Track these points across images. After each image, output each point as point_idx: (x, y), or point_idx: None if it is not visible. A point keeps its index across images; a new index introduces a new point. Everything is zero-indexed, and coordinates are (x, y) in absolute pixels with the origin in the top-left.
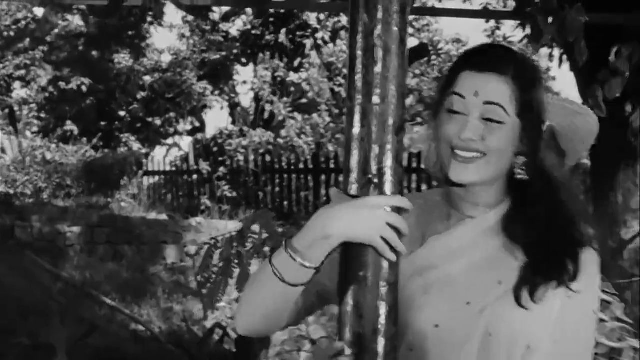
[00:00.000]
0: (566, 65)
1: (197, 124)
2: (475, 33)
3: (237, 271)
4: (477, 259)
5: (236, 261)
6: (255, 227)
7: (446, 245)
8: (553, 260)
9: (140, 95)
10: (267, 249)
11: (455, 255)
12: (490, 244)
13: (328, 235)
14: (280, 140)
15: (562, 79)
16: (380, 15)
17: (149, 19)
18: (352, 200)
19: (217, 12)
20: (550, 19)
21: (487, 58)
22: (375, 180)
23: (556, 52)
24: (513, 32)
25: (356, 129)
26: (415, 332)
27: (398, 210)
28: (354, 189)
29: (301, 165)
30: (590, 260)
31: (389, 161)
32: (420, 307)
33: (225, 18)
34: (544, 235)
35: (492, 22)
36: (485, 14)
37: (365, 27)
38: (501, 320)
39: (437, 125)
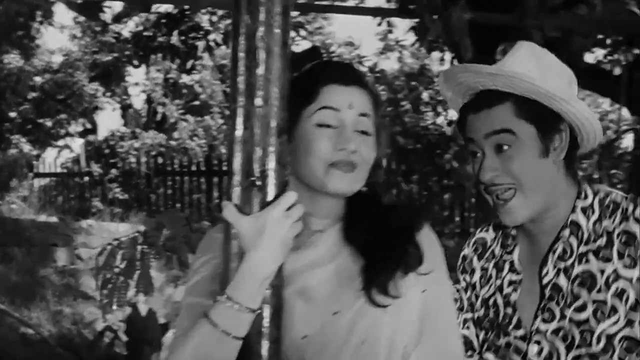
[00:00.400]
0: None
1: (89, 126)
2: (367, 37)
3: (137, 272)
4: (334, 270)
5: (138, 262)
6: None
7: (301, 260)
8: (392, 250)
9: (31, 96)
10: (168, 252)
11: (311, 268)
12: (343, 253)
13: (268, 275)
14: (173, 142)
15: None
16: (262, 17)
17: (39, 18)
18: (254, 220)
19: (108, 13)
20: (434, 17)
21: (348, 72)
22: (259, 183)
23: (447, 55)
24: (405, 36)
25: (239, 131)
26: (286, 345)
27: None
28: (237, 191)
29: (193, 168)
30: (428, 240)
31: (272, 163)
32: (286, 319)
33: (117, 19)
34: (379, 233)
35: (384, 26)
36: (370, 11)
37: (248, 29)
38: (371, 327)
39: (303, 141)
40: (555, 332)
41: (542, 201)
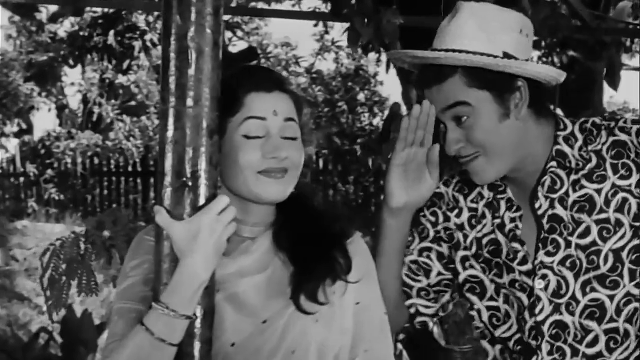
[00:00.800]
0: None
1: (24, 126)
2: (304, 38)
3: (79, 273)
4: (264, 279)
5: (80, 262)
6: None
7: (231, 266)
8: (321, 258)
9: None
10: (109, 252)
11: (242, 276)
12: (271, 262)
13: (203, 281)
14: (109, 143)
15: (390, 84)
16: (193, 17)
17: None
18: (187, 225)
19: (44, 13)
20: (366, 21)
21: (269, 78)
22: (190, 183)
23: (384, 57)
24: (341, 37)
25: (170, 132)
26: (216, 351)
27: None
28: (168, 192)
29: (130, 168)
30: (358, 248)
31: (203, 164)
32: (217, 325)
33: (53, 19)
34: (309, 241)
35: (321, 27)
36: (303, 15)
37: (179, 30)
38: (301, 337)
39: (232, 153)
40: (562, 262)
41: (511, 161)
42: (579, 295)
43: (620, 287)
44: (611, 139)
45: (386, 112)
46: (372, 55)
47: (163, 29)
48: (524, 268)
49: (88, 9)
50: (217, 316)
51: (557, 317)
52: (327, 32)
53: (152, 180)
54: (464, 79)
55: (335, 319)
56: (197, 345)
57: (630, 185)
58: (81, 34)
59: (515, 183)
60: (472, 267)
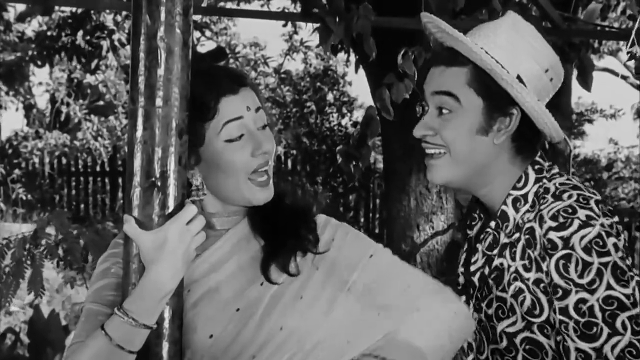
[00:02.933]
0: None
1: None
2: (273, 38)
3: (28, 272)
4: (237, 266)
5: (29, 262)
6: (50, 229)
7: (205, 261)
8: (289, 233)
9: None
10: (60, 250)
11: (215, 268)
12: (247, 249)
13: (168, 292)
14: (77, 143)
15: (358, 85)
16: (162, 17)
17: None
18: (154, 235)
19: (11, 12)
20: (337, 20)
21: (234, 78)
22: (159, 183)
23: (353, 57)
24: (310, 37)
25: (139, 132)
26: (194, 348)
27: None
28: (137, 192)
29: (98, 168)
30: (324, 221)
31: (172, 164)
32: (191, 321)
33: (20, 18)
34: (277, 219)
35: (289, 27)
36: (272, 15)
37: (148, 29)
38: (278, 322)
39: (216, 160)
40: (479, 322)
41: (468, 173)
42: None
43: None
44: (531, 222)
45: (355, 113)
46: (341, 56)
47: (132, 29)
48: (490, 311)
49: (56, 8)
50: (195, 313)
51: None
52: (295, 32)
53: (120, 180)
54: (469, 75)
55: (316, 306)
56: (166, 346)
57: (528, 279)
58: (49, 33)
59: (485, 218)
60: None
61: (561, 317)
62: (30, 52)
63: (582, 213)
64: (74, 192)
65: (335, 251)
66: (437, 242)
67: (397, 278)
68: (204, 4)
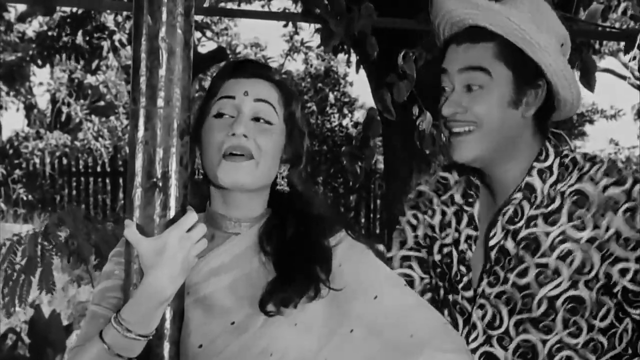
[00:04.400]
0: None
1: None
2: (274, 38)
3: (39, 270)
4: (238, 277)
5: (39, 259)
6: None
7: (207, 264)
8: (303, 275)
9: None
10: (70, 248)
11: (215, 274)
12: (252, 260)
13: (166, 298)
14: (77, 143)
15: (359, 85)
16: (164, 17)
17: None
18: (154, 242)
19: (12, 13)
20: (338, 20)
21: (252, 66)
22: (160, 184)
23: (354, 57)
24: (311, 38)
25: (140, 132)
26: (185, 353)
27: None
28: (138, 193)
29: (98, 169)
30: (337, 242)
31: (173, 164)
32: (186, 325)
33: (21, 18)
34: (293, 249)
35: (290, 27)
36: (275, 15)
37: (149, 30)
38: (277, 339)
39: (204, 135)
40: (498, 295)
41: (496, 147)
42: (512, 332)
43: (552, 332)
44: (577, 185)
45: (355, 113)
46: (342, 56)
47: (134, 29)
48: (467, 294)
49: (57, 8)
50: (186, 317)
51: (488, 348)
52: (296, 33)
53: (121, 180)
54: (497, 48)
55: (310, 334)
56: (167, 346)
57: (580, 239)
58: (49, 33)
59: (489, 192)
60: (410, 267)
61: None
62: (30, 52)
63: (626, 172)
64: (74, 192)
65: (339, 277)
66: None
67: (400, 326)
68: (205, 4)
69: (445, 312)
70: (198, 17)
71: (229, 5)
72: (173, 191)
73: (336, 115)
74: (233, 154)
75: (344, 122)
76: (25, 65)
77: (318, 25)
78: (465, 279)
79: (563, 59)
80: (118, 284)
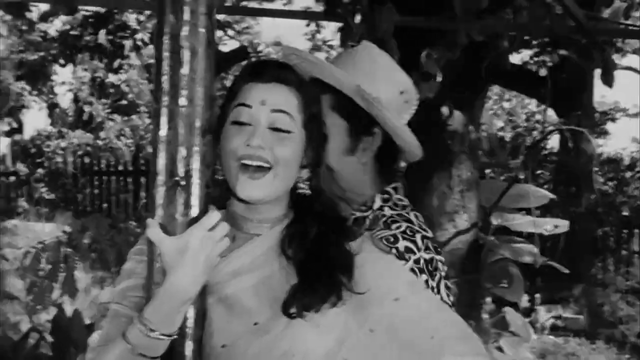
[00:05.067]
0: None
1: (15, 125)
2: (296, 37)
3: (62, 275)
4: (260, 278)
5: (63, 265)
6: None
7: (228, 264)
8: (325, 281)
9: None
10: (93, 254)
11: (237, 274)
12: (273, 262)
13: (189, 298)
14: (100, 142)
15: None
16: (186, 17)
17: None
18: (176, 241)
19: (35, 12)
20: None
21: (271, 69)
22: (183, 183)
23: None
24: (333, 36)
25: (163, 131)
26: (207, 352)
27: None
28: (160, 191)
29: (121, 167)
30: (358, 246)
31: (196, 163)
32: (208, 325)
33: (44, 18)
34: (315, 254)
35: (312, 26)
36: (297, 14)
37: (172, 29)
38: (299, 341)
39: (222, 141)
40: None
41: (339, 191)
42: None
43: None
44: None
45: None
46: None
47: (156, 28)
48: None
49: (80, 7)
50: (209, 316)
51: None
52: (318, 32)
53: (142, 179)
54: (331, 101)
55: (337, 327)
56: (189, 345)
57: None
58: (72, 32)
59: None
60: None
61: None
62: (53, 52)
63: (402, 244)
64: (96, 191)
65: (361, 281)
66: (460, 241)
67: (420, 328)
68: (227, 3)
69: None
70: (220, 16)
71: (251, 4)
72: (195, 190)
73: None
74: (248, 165)
75: None
76: (47, 64)
77: (341, 24)
78: None
79: (396, 110)
80: (139, 282)
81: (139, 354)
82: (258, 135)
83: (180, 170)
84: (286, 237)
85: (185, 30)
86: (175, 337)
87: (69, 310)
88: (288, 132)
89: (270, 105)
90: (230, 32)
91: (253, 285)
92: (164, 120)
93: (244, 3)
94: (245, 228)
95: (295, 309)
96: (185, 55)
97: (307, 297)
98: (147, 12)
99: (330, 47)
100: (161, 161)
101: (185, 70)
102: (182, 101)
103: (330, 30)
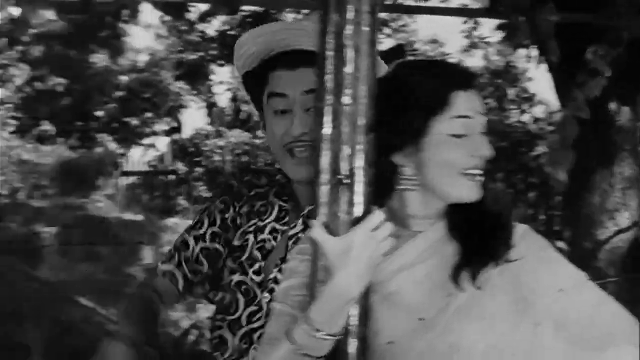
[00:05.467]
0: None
1: (175, 125)
2: (452, 35)
3: None
4: (424, 274)
5: None
6: None
7: (393, 262)
8: (486, 240)
9: (117, 95)
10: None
11: (402, 271)
12: (439, 254)
13: (351, 299)
14: (257, 141)
15: (539, 80)
16: (351, 15)
17: (125, 18)
18: (340, 242)
19: (194, 13)
20: (522, 18)
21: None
22: (347, 181)
23: (534, 53)
24: (490, 33)
25: (326, 130)
26: (372, 349)
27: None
28: (324, 190)
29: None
30: (522, 232)
31: (359, 162)
32: (374, 323)
33: (202, 18)
34: (477, 223)
35: (470, 24)
36: (457, 12)
37: (336, 28)
38: (465, 335)
39: (436, 152)
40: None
41: None
42: None
43: None
44: None
45: (534, 109)
46: (522, 51)
47: (320, 27)
48: (257, 278)
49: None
50: (375, 314)
51: None
52: (475, 29)
53: None
54: None
55: (501, 319)
56: (354, 344)
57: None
58: (230, 32)
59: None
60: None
61: None
62: (211, 52)
63: None
64: None
65: (522, 266)
66: (620, 239)
67: (588, 320)
68: (387, 2)
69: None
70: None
71: (408, 2)
72: (359, 189)
73: (515, 111)
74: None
75: (523, 118)
76: (206, 64)
77: (497, 21)
78: (257, 265)
79: None
80: (302, 282)
81: (304, 354)
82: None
83: (344, 169)
84: (453, 225)
85: (349, 29)
86: (340, 337)
87: None
88: (484, 133)
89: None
90: (386, 30)
91: (417, 281)
92: (327, 119)
93: (400, 1)
94: (408, 225)
95: (464, 277)
96: (350, 54)
97: (471, 259)
98: (305, 11)
99: (488, 44)
100: (325, 160)
101: (349, 69)
102: (346, 100)
103: (487, 27)
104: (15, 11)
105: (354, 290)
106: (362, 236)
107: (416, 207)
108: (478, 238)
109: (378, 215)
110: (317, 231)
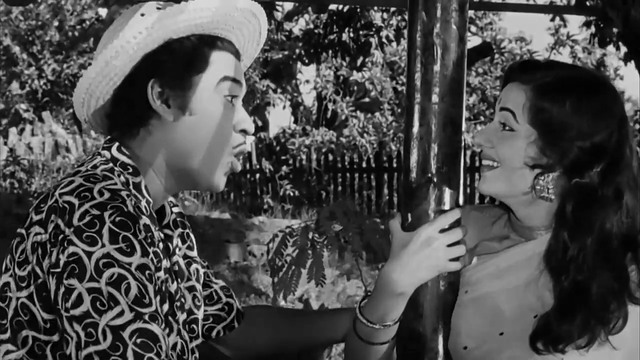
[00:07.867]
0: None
1: (260, 123)
2: (539, 32)
3: (309, 261)
4: (516, 285)
5: (310, 251)
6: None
7: (495, 264)
8: (588, 308)
9: None
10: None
11: (499, 276)
12: (533, 270)
13: (396, 293)
14: (343, 139)
15: (629, 78)
16: (439, 13)
17: None
18: (405, 235)
19: (280, 11)
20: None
21: (510, 69)
22: (435, 180)
23: (623, 50)
24: (577, 30)
25: (415, 128)
26: (451, 349)
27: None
28: (412, 188)
29: (364, 164)
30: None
31: (448, 160)
32: (456, 324)
33: (288, 17)
34: (582, 274)
35: (557, 21)
36: (545, 8)
37: (424, 26)
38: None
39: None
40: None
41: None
42: None
43: None
44: None
45: (626, 107)
46: (611, 48)
47: (408, 26)
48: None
49: None
50: (458, 315)
51: None
52: (564, 25)
53: (385, 176)
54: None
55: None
56: (442, 342)
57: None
58: (316, 31)
59: None
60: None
61: None
62: (297, 51)
63: None
64: (340, 188)
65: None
66: None
67: None
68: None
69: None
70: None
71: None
72: (448, 187)
73: None
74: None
75: None
76: (292, 63)
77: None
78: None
79: None
80: None
81: (368, 342)
82: (481, 132)
83: (433, 168)
84: (550, 250)
85: (437, 27)
86: (395, 324)
87: (314, 305)
88: (511, 130)
89: (501, 103)
90: (473, 28)
91: (507, 289)
92: (416, 117)
93: None
94: (518, 231)
95: (542, 345)
96: (438, 51)
97: (559, 328)
98: (392, 9)
99: (575, 41)
100: (414, 158)
101: (437, 66)
102: (435, 98)
103: (574, 24)
104: (103, 11)
105: (398, 285)
106: (425, 234)
107: (521, 210)
108: (576, 301)
109: (451, 215)
110: (393, 222)
